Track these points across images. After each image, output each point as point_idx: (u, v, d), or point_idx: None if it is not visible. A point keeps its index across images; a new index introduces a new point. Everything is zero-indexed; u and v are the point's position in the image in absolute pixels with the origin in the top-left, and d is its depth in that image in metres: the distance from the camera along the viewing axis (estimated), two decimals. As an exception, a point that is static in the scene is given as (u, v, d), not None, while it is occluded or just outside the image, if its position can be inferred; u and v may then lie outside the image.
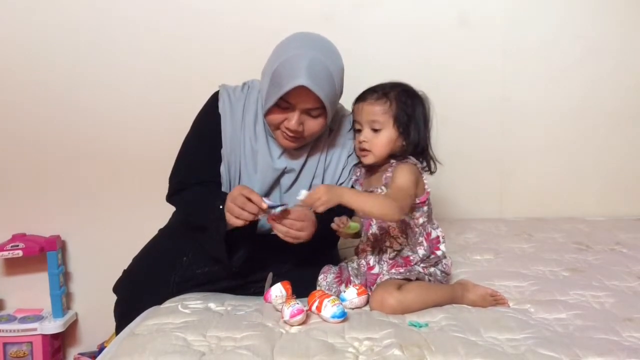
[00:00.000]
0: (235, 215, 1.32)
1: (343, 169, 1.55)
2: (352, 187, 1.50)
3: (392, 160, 1.42)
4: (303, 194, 1.26)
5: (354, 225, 1.37)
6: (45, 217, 2.17)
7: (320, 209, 1.25)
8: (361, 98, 1.44)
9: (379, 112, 1.40)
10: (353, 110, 1.47)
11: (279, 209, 1.32)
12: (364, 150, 1.43)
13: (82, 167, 2.15)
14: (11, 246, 2.06)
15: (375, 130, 1.41)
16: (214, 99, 1.55)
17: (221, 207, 1.37)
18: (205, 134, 1.52)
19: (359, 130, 1.44)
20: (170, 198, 1.56)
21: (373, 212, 1.30)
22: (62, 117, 2.12)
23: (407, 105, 1.40)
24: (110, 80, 2.10)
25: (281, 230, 1.35)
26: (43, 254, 2.09)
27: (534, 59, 2.14)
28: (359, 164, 1.52)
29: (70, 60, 2.08)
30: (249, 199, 1.31)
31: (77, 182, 2.16)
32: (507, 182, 2.22)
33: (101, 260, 2.11)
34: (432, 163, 1.45)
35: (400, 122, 1.40)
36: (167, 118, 2.09)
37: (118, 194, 2.16)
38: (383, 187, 1.40)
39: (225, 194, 1.40)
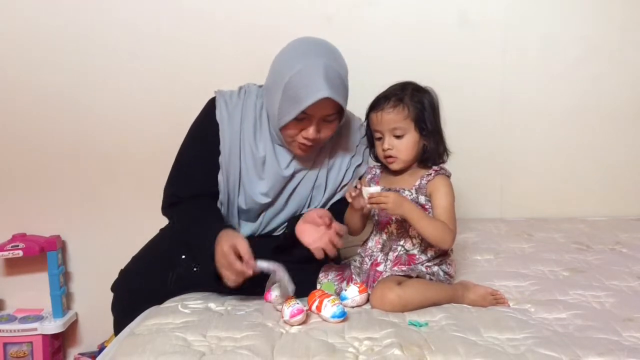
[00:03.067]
0: (230, 281, 1.31)
1: (346, 170, 1.55)
2: (370, 185, 1.50)
3: (431, 171, 1.43)
4: (374, 188, 1.34)
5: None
6: (45, 217, 2.17)
7: (380, 208, 1.33)
8: (376, 107, 1.42)
9: (399, 119, 1.40)
10: (369, 120, 1.46)
11: (266, 268, 1.31)
12: (390, 157, 1.43)
13: (82, 167, 2.15)
14: (11, 246, 2.06)
15: (398, 137, 1.41)
16: (211, 106, 1.52)
17: (208, 245, 1.35)
18: (203, 142, 1.50)
19: (380, 139, 1.44)
20: (164, 210, 1.54)
21: (431, 237, 1.36)
22: (62, 118, 2.12)
23: (421, 105, 1.41)
24: (110, 81, 2.10)
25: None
26: (43, 254, 2.09)
27: (534, 58, 2.14)
28: (377, 165, 1.53)
29: (70, 61, 2.08)
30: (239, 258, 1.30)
31: (77, 182, 2.16)
32: (507, 182, 2.22)
33: (101, 260, 2.11)
34: (446, 152, 1.46)
35: (420, 124, 1.41)
36: (166, 118, 2.09)
37: (118, 194, 2.16)
38: (413, 191, 1.42)
39: (219, 220, 1.43)
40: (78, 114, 2.12)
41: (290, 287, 1.27)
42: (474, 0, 2.11)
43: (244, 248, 1.30)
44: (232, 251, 1.29)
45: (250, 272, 1.28)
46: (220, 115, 1.49)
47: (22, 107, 2.12)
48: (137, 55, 2.09)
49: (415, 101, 1.41)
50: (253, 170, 1.49)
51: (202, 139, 1.51)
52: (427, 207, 1.42)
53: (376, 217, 1.47)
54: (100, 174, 2.16)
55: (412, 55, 2.08)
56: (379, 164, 1.52)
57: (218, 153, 1.49)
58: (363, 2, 2.09)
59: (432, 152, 1.43)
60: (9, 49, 2.09)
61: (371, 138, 1.49)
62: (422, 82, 1.47)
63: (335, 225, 1.37)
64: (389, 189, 1.45)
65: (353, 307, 1.31)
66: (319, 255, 1.37)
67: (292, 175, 1.51)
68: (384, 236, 1.45)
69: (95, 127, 2.13)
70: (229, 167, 1.49)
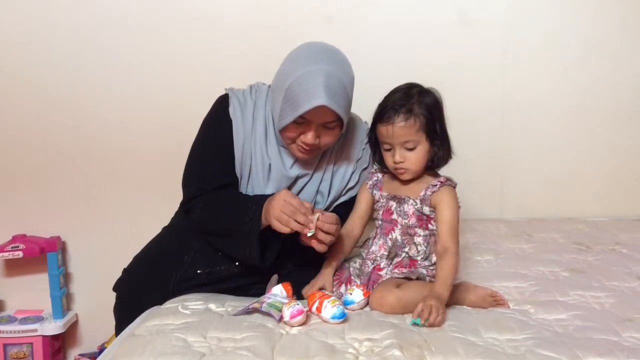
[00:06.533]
0: (284, 223, 1.30)
1: (352, 173, 1.55)
2: (371, 192, 1.48)
3: (437, 182, 1.41)
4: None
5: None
6: (45, 218, 2.17)
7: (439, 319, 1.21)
8: (386, 120, 1.38)
9: (412, 132, 1.37)
10: (377, 131, 1.42)
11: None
12: (401, 169, 1.41)
13: (82, 168, 2.15)
14: (11, 247, 2.07)
15: (410, 149, 1.39)
16: (223, 103, 1.52)
17: (254, 208, 1.36)
18: (218, 137, 1.50)
19: (389, 150, 1.42)
20: (188, 204, 1.51)
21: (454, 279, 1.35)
22: (63, 118, 2.12)
23: (430, 112, 1.38)
24: (110, 82, 2.10)
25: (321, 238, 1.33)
26: (43, 255, 2.09)
27: (534, 58, 2.14)
28: (373, 168, 1.52)
29: (70, 61, 2.09)
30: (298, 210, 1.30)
31: (78, 183, 2.16)
32: (507, 182, 2.22)
33: (101, 261, 2.11)
34: (450, 151, 1.44)
35: (431, 133, 1.39)
36: (166, 119, 2.10)
37: (118, 195, 2.16)
38: (417, 201, 1.41)
39: (254, 195, 1.43)
40: (78, 114, 2.12)
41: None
42: (474, 0, 2.11)
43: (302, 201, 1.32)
44: (288, 201, 1.30)
45: (311, 218, 1.29)
46: (234, 112, 1.49)
47: (22, 107, 2.12)
48: (137, 55, 2.09)
49: (423, 109, 1.37)
50: (262, 172, 1.49)
51: (217, 134, 1.50)
52: (432, 217, 1.41)
53: (379, 222, 1.47)
54: (100, 175, 2.16)
55: (412, 56, 2.08)
56: (380, 168, 1.51)
57: (232, 147, 1.49)
58: (363, 2, 2.09)
59: (440, 158, 1.42)
60: (9, 49, 2.09)
61: (374, 144, 1.47)
62: (422, 82, 1.45)
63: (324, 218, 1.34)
64: (394, 197, 1.44)
65: (359, 309, 1.30)
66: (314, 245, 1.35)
67: (296, 179, 1.50)
68: (389, 243, 1.43)
69: (96, 128, 2.13)
70: (242, 166, 1.49)
